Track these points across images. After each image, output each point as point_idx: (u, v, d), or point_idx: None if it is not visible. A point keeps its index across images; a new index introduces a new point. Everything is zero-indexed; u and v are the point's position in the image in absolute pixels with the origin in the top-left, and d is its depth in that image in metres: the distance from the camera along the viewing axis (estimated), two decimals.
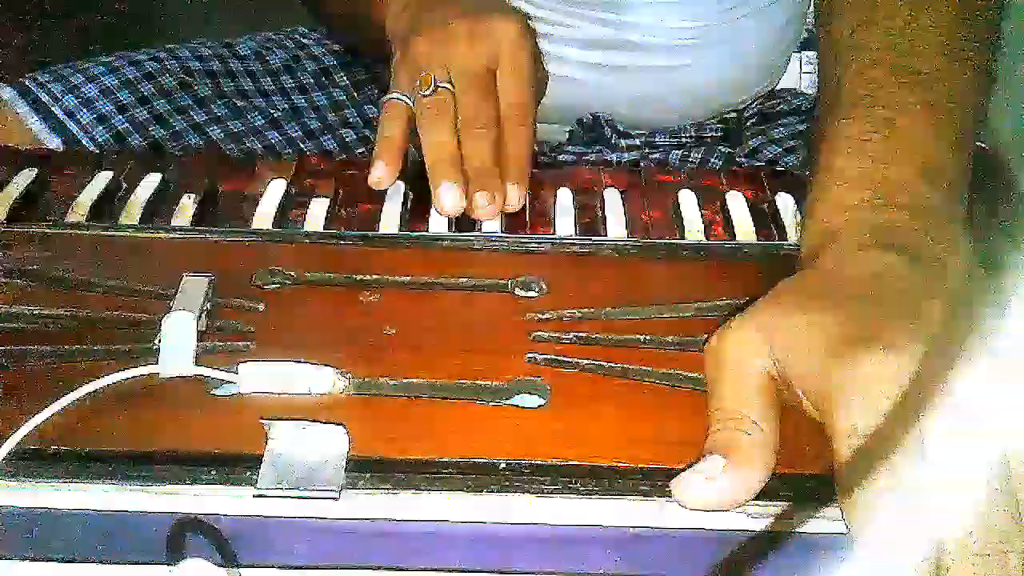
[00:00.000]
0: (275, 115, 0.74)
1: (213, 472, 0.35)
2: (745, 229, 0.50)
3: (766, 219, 0.51)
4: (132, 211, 0.50)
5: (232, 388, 0.38)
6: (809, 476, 0.35)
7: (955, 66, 0.46)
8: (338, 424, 0.36)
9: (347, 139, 0.75)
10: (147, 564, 0.34)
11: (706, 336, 0.39)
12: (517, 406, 0.38)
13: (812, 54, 0.76)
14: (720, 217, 0.51)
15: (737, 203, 0.51)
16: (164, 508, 0.34)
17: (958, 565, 0.29)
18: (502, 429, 0.37)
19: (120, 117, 0.69)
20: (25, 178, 0.52)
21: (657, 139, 0.72)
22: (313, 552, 0.35)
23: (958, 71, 0.46)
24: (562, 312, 0.43)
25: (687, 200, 0.52)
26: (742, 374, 0.36)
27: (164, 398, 0.38)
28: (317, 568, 0.34)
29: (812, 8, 0.61)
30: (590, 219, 0.51)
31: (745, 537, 0.34)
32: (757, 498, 0.34)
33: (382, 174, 0.52)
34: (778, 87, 0.77)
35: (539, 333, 0.42)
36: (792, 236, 0.49)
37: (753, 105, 0.74)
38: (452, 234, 0.49)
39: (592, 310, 0.43)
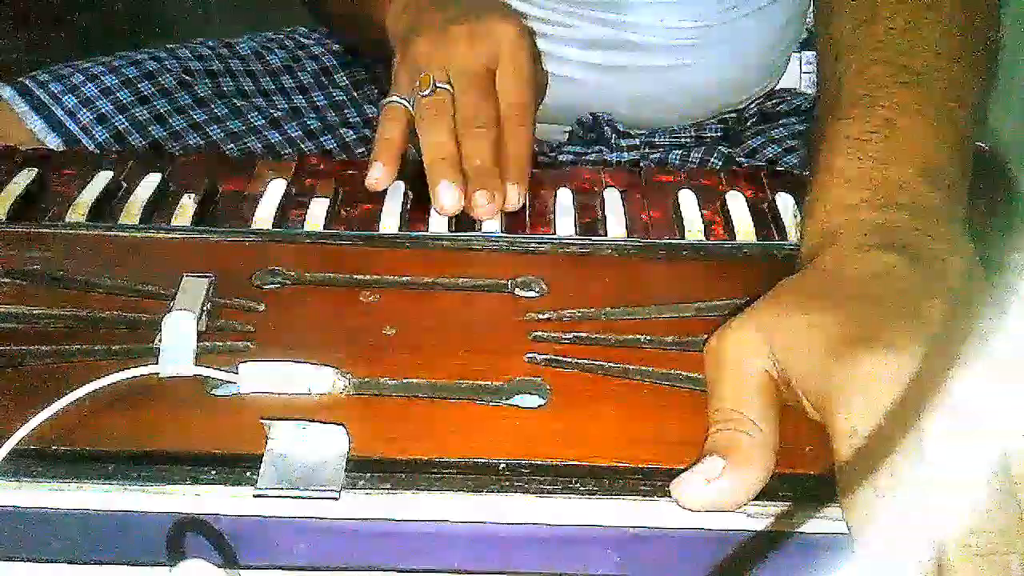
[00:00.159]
0: (275, 115, 0.74)
1: (213, 472, 0.35)
2: (745, 229, 0.50)
3: (766, 219, 0.51)
4: (132, 211, 0.50)
5: (232, 388, 0.38)
6: (809, 476, 0.35)
7: (955, 66, 0.46)
8: (338, 424, 0.36)
9: (347, 139, 0.75)
10: (147, 564, 0.34)
11: (706, 336, 0.39)
12: (517, 406, 0.38)
13: (812, 54, 0.76)
14: (720, 217, 0.51)
15: (737, 203, 0.51)
16: (164, 508, 0.34)
17: (959, 566, 0.29)
18: (502, 429, 0.37)
19: (120, 117, 0.69)
20: (25, 178, 0.52)
21: (657, 139, 0.72)
22: (313, 552, 0.35)
23: (958, 71, 0.46)
24: (562, 312, 0.43)
25: (687, 200, 0.52)
26: (742, 374, 0.36)
27: (164, 398, 0.38)
28: (317, 568, 0.34)
29: (812, 8, 0.61)
30: (590, 219, 0.51)
31: (745, 537, 0.34)
32: (757, 498, 0.34)
33: (380, 175, 0.52)
34: (778, 87, 0.77)
35: (539, 333, 0.42)
36: (792, 236, 0.49)
37: (753, 105, 0.74)
38: (452, 234, 0.49)
39: (592, 310, 0.43)
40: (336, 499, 0.34)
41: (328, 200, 0.51)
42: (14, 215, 0.49)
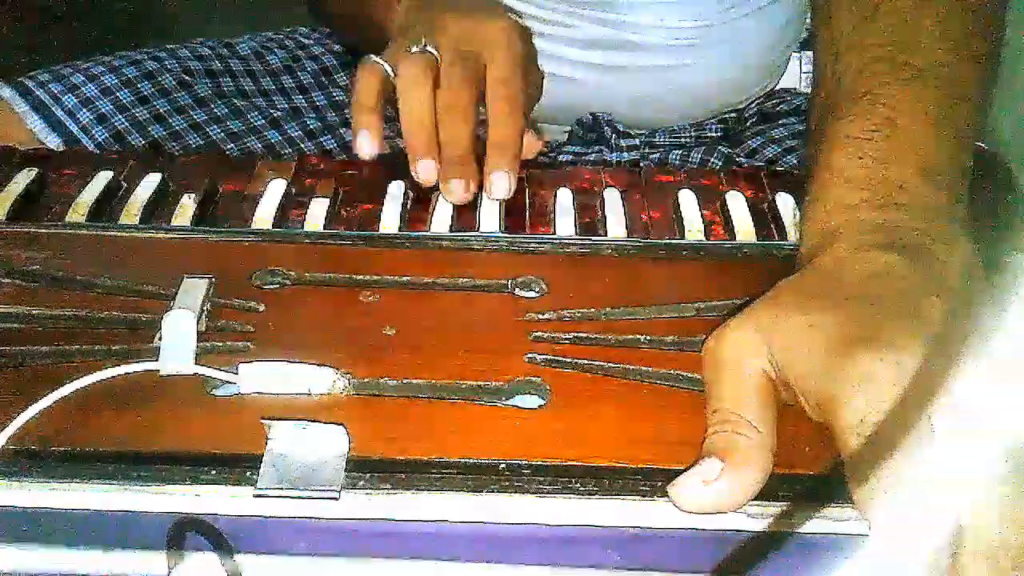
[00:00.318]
0: (275, 115, 0.74)
1: (213, 472, 0.35)
2: (745, 229, 0.50)
3: (766, 219, 0.51)
4: (132, 211, 0.50)
5: (232, 388, 0.38)
6: (809, 476, 0.35)
7: (956, 64, 0.46)
8: (338, 424, 0.36)
9: (347, 139, 0.75)
10: (147, 564, 0.34)
11: (705, 336, 0.39)
12: (517, 406, 0.38)
13: (812, 54, 0.76)
14: (720, 217, 0.51)
15: (737, 203, 0.51)
16: (164, 508, 0.34)
17: (975, 552, 0.29)
18: (502, 429, 0.37)
19: (120, 117, 0.69)
20: (25, 178, 0.52)
21: (657, 139, 0.72)
22: (313, 552, 0.34)
23: (959, 69, 0.46)
24: (562, 312, 0.43)
25: (687, 200, 0.52)
26: (740, 375, 0.36)
27: (164, 398, 0.38)
28: (317, 568, 0.34)
29: (812, 8, 0.61)
30: (590, 219, 0.51)
31: (745, 537, 0.34)
32: (757, 498, 0.34)
33: (366, 143, 0.52)
34: (778, 87, 0.77)
35: (539, 333, 0.42)
36: (792, 236, 0.49)
37: (753, 105, 0.74)
38: (452, 234, 0.49)
39: (592, 310, 0.43)
40: (336, 499, 0.34)
41: (328, 200, 0.51)
42: (14, 215, 0.49)
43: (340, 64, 0.80)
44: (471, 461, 0.35)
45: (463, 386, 0.39)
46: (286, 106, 0.75)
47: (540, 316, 0.42)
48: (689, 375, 0.39)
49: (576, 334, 0.41)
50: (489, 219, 0.50)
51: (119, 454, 0.35)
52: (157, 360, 0.38)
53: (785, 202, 0.51)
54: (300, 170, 0.54)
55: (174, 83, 0.72)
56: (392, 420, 0.37)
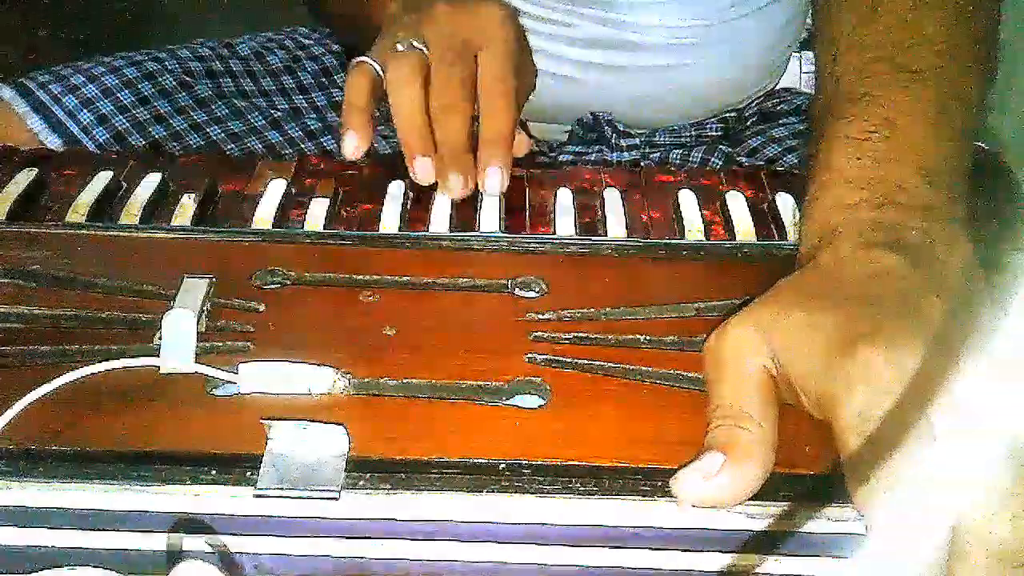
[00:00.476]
0: (275, 115, 0.74)
1: (213, 472, 0.35)
2: (745, 229, 0.50)
3: (766, 219, 0.51)
4: (132, 211, 0.50)
5: (232, 388, 0.38)
6: (809, 476, 0.35)
7: (955, 64, 0.46)
8: (338, 424, 0.36)
9: None
10: (147, 564, 0.34)
11: (706, 336, 0.39)
12: (517, 406, 0.38)
13: (812, 54, 0.76)
14: (720, 217, 0.51)
15: (737, 203, 0.51)
16: (164, 508, 0.34)
17: (974, 552, 0.29)
18: (502, 429, 0.37)
19: (120, 117, 0.69)
20: (25, 178, 0.52)
21: (657, 138, 0.72)
22: (313, 552, 0.34)
23: (958, 69, 0.46)
24: (562, 312, 0.43)
25: (687, 200, 0.52)
26: (741, 372, 0.36)
27: (164, 398, 0.38)
28: (317, 568, 0.34)
29: (812, 8, 0.61)
30: (590, 219, 0.51)
31: (745, 537, 0.34)
32: (757, 498, 0.34)
33: (354, 144, 0.52)
34: (778, 87, 0.77)
35: (539, 333, 0.42)
36: (792, 236, 0.49)
37: (753, 105, 0.74)
38: (452, 234, 0.49)
39: (592, 310, 0.43)
40: (336, 499, 0.34)
41: (328, 200, 0.51)
42: (14, 215, 0.49)
43: (340, 64, 0.80)
44: (471, 461, 0.35)
45: (463, 386, 0.39)
46: (286, 106, 0.75)
47: (540, 316, 0.42)
48: (689, 375, 0.39)
49: (576, 334, 0.41)
50: (489, 219, 0.50)
51: (119, 454, 0.35)
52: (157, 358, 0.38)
53: (785, 202, 0.51)
54: (300, 170, 0.54)
55: (174, 84, 0.72)
56: (392, 420, 0.37)
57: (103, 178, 0.52)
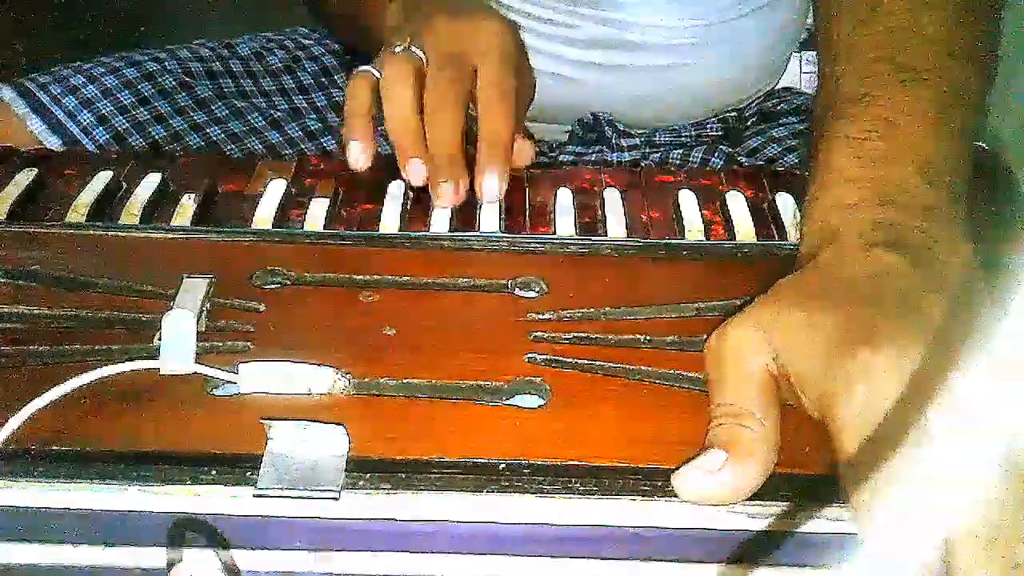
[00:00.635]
0: (275, 115, 0.74)
1: (213, 472, 0.35)
2: (745, 229, 0.50)
3: (766, 219, 0.51)
4: (132, 211, 0.50)
5: (232, 388, 0.38)
6: (809, 476, 0.35)
7: (955, 64, 0.46)
8: (338, 424, 0.36)
9: None
10: (146, 564, 0.34)
11: (706, 336, 0.39)
12: (517, 406, 0.38)
13: (812, 54, 0.76)
14: (720, 217, 0.51)
15: (737, 203, 0.51)
16: (164, 508, 0.34)
17: (967, 555, 0.29)
18: (502, 429, 0.37)
19: (120, 118, 0.69)
20: (25, 178, 0.52)
21: (657, 138, 0.72)
22: (313, 552, 0.34)
23: (958, 69, 0.46)
24: (562, 312, 0.43)
25: (687, 200, 0.52)
26: (742, 372, 0.36)
27: (164, 398, 0.38)
28: (317, 568, 0.34)
29: (812, 8, 0.61)
30: (590, 219, 0.51)
31: (745, 537, 0.34)
32: (757, 498, 0.34)
33: (359, 154, 0.53)
34: (778, 87, 0.77)
35: (539, 333, 0.42)
36: (792, 236, 0.49)
37: (753, 105, 0.74)
38: (452, 234, 0.49)
39: (592, 310, 0.43)
40: (336, 499, 0.34)
41: (328, 200, 0.51)
42: (14, 215, 0.49)
43: (340, 64, 0.80)
44: (471, 461, 0.35)
45: (463, 386, 0.39)
46: (286, 107, 0.75)
47: (540, 316, 0.42)
48: (689, 375, 0.39)
49: (576, 334, 0.41)
50: (489, 219, 0.50)
51: (119, 454, 0.35)
52: (157, 359, 0.38)
53: (785, 202, 0.51)
54: (300, 170, 0.54)
55: (174, 84, 0.72)
56: (392, 420, 0.37)
57: (103, 178, 0.52)
